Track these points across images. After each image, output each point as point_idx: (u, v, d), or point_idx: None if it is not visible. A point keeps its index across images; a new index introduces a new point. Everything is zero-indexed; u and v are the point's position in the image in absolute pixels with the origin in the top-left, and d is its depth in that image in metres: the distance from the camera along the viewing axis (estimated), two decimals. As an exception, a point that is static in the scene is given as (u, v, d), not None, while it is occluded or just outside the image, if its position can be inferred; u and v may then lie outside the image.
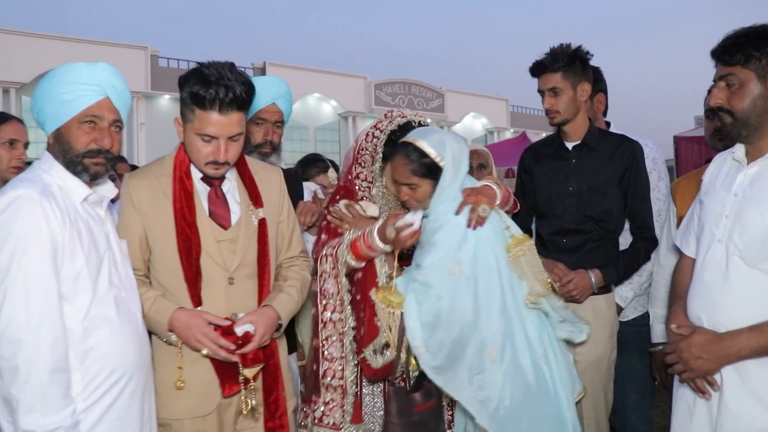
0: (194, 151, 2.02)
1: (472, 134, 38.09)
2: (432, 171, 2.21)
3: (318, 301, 2.24)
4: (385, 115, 2.44)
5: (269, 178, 2.26)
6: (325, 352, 2.21)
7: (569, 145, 2.80)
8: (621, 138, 2.80)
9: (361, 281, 2.24)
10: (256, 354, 2.01)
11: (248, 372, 2.01)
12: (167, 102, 27.76)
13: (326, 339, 2.22)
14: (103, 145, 1.89)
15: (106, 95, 1.90)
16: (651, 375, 2.94)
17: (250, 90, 2.01)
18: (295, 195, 2.65)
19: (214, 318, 1.98)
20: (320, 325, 2.23)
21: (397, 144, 2.28)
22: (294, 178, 2.82)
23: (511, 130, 38.65)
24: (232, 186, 2.16)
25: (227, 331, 1.96)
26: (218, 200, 2.12)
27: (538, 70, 2.71)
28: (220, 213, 2.11)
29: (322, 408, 2.22)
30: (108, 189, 2.01)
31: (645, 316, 2.96)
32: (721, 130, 2.04)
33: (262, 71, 30.70)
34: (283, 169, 2.66)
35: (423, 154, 2.19)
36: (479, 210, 2.19)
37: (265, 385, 2.10)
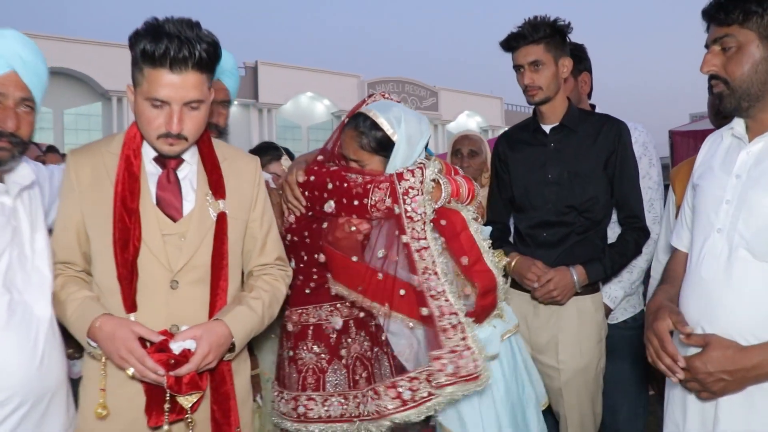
0: (144, 122, 1.69)
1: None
2: (383, 146, 2.01)
3: (404, 225, 1.93)
4: (369, 96, 2.25)
5: (241, 167, 1.92)
6: (430, 288, 1.91)
7: (546, 128, 2.51)
8: (604, 118, 2.51)
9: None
10: (193, 378, 1.65)
11: (184, 400, 1.65)
12: None
13: (423, 272, 1.93)
14: (5, 127, 1.63)
15: (11, 68, 1.65)
16: (644, 383, 2.66)
17: (213, 50, 1.69)
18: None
19: (145, 331, 1.63)
20: (415, 257, 1.93)
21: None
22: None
23: (506, 129, 38.45)
24: (191, 171, 1.83)
25: (162, 347, 1.62)
26: (169, 186, 1.79)
27: (515, 41, 2.40)
28: (169, 201, 1.78)
29: (448, 359, 1.85)
30: (22, 176, 1.72)
31: (637, 318, 2.68)
32: (717, 104, 1.73)
33: (254, 70, 30.55)
34: None
35: (375, 127, 2.00)
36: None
37: (213, 418, 1.75)
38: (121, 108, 26.57)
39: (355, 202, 1.98)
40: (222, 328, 1.70)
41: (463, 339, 1.86)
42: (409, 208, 1.93)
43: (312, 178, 2.09)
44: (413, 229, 1.94)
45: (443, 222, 2.01)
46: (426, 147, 2.16)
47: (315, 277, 2.11)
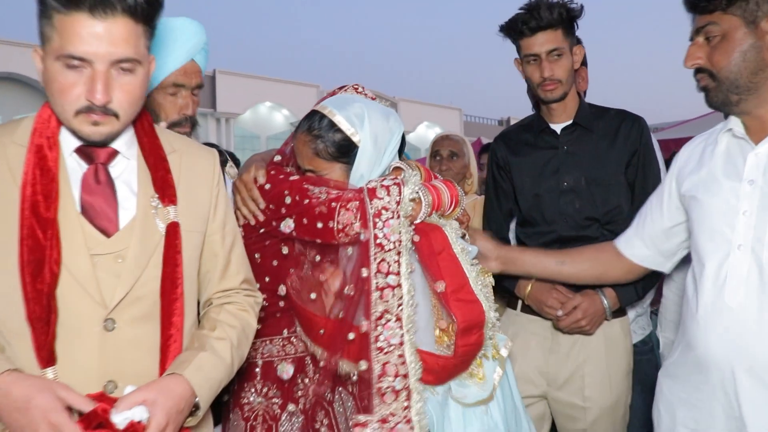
0: (57, 93, 1.26)
1: (426, 143, 38.00)
2: (343, 151, 1.69)
3: (370, 255, 1.58)
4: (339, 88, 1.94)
5: (196, 163, 1.49)
6: (380, 338, 1.57)
7: (557, 128, 2.21)
8: (622, 114, 2.23)
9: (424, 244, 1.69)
10: None
11: None
12: None
13: (380, 318, 1.56)
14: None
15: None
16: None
17: None
18: None
19: (73, 397, 1.19)
20: (373, 297, 1.57)
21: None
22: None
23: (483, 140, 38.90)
24: (128, 167, 1.40)
25: (98, 421, 1.19)
26: (99, 187, 1.34)
27: (528, 26, 2.07)
28: (100, 208, 1.33)
29: (373, 429, 1.54)
30: None
31: (646, 341, 2.44)
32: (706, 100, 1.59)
33: (212, 79, 29.93)
34: None
35: (332, 128, 1.68)
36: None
37: None
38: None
39: (319, 225, 1.63)
40: (181, 387, 1.29)
41: (405, 409, 1.53)
42: (380, 234, 1.58)
43: (267, 186, 1.74)
44: (382, 260, 1.58)
45: (416, 238, 1.66)
46: (402, 148, 1.85)
47: (265, 304, 1.75)
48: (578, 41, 2.62)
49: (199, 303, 1.55)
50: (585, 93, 2.76)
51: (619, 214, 2.13)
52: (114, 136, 1.35)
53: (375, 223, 1.58)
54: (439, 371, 1.64)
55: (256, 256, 1.77)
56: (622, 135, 2.17)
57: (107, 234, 1.33)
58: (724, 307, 1.47)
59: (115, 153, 1.38)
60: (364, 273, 1.58)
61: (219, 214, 1.52)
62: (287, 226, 1.69)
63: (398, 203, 1.60)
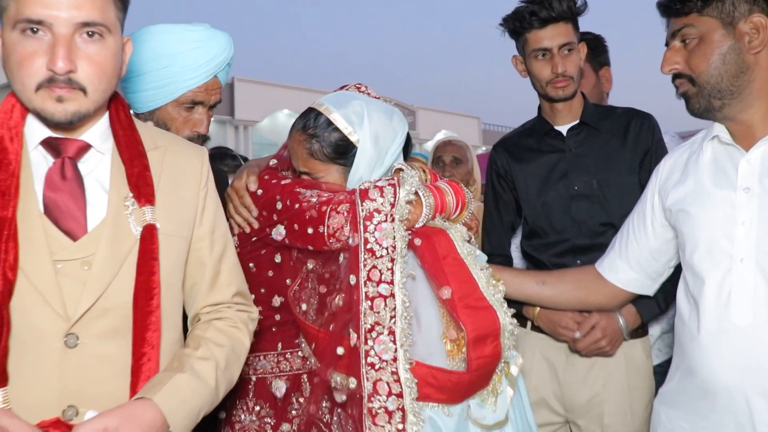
0: (15, 66, 1.14)
1: (445, 152, 38.25)
2: (341, 152, 1.57)
3: (359, 261, 1.45)
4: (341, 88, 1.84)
5: (181, 161, 1.37)
6: (370, 353, 1.43)
7: (562, 129, 2.06)
8: (630, 112, 2.09)
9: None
10: None
11: None
12: None
13: (371, 330, 1.43)
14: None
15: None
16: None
17: None
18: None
19: (16, 425, 1.04)
20: (363, 306, 1.44)
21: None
22: (217, 179, 1.93)
23: (483, 148, 38.81)
24: (102, 163, 1.26)
25: None
26: (66, 184, 1.21)
27: (539, 18, 1.92)
28: (66, 208, 1.21)
29: None
30: None
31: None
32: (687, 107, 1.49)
33: (231, 87, 30.13)
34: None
35: (329, 126, 1.56)
36: None
37: None
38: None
39: (309, 230, 1.50)
40: (151, 413, 1.13)
41: (400, 431, 1.39)
42: (370, 238, 1.45)
43: (260, 191, 1.62)
44: (373, 267, 1.44)
45: (418, 241, 1.52)
46: (408, 148, 1.71)
47: (260, 318, 1.61)
48: (595, 48, 2.49)
49: (187, 318, 1.42)
50: (608, 95, 2.63)
51: None
52: (83, 118, 1.19)
53: (365, 227, 1.45)
54: (453, 388, 1.48)
55: (251, 265, 1.66)
56: (632, 133, 2.03)
57: (73, 237, 1.19)
58: (731, 328, 1.35)
59: (86, 147, 1.24)
60: (353, 280, 1.45)
61: (207, 218, 1.38)
62: (279, 233, 1.57)
63: (393, 205, 1.46)
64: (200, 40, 1.70)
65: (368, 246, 1.45)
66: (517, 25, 1.98)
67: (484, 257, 1.65)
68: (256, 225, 1.63)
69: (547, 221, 2.05)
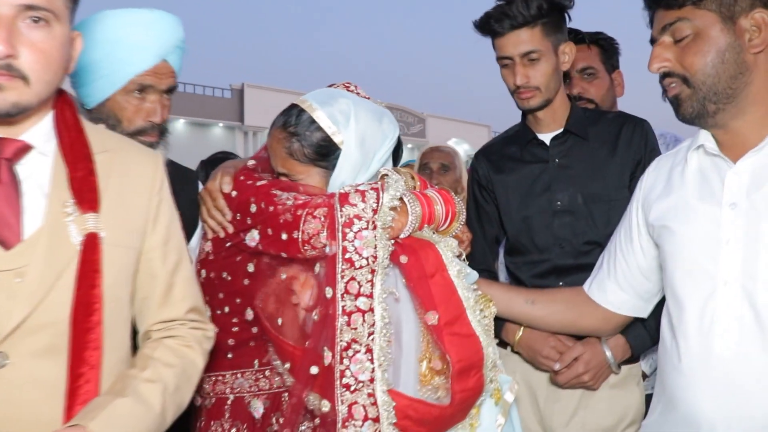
0: None
1: (454, 160, 38.23)
2: (322, 153, 1.45)
3: (336, 272, 1.34)
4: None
5: (132, 165, 1.26)
6: (346, 374, 1.32)
7: (545, 138, 1.89)
8: (621, 117, 1.92)
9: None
10: None
11: None
12: (182, 126, 27.92)
13: (347, 348, 1.32)
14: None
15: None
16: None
17: None
18: (186, 203, 1.78)
19: None
20: (339, 322, 1.32)
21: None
22: (186, 180, 1.85)
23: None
24: (43, 166, 1.16)
25: None
26: (1, 188, 1.11)
27: (499, 23, 1.76)
28: None
29: None
30: None
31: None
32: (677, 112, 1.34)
33: (240, 93, 30.22)
34: (170, 163, 1.82)
35: (311, 125, 1.43)
36: None
37: None
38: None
39: (283, 235, 1.37)
40: None
41: None
42: (349, 247, 1.32)
43: (234, 193, 1.50)
44: (352, 279, 1.32)
45: (404, 259, 1.37)
46: (398, 153, 1.60)
47: (235, 330, 1.50)
48: (608, 50, 2.33)
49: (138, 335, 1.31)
50: (615, 102, 2.49)
51: None
52: (23, 111, 1.08)
53: (344, 234, 1.33)
54: (432, 422, 1.36)
55: (224, 275, 1.54)
56: (623, 142, 1.84)
57: (6, 246, 1.08)
58: (713, 357, 1.23)
59: (27, 148, 1.13)
60: (329, 293, 1.33)
61: (160, 227, 1.27)
62: (252, 238, 1.45)
63: (375, 211, 1.34)
64: (144, 22, 1.61)
65: (347, 255, 1.33)
66: (484, 31, 1.83)
67: (475, 275, 1.52)
68: (230, 229, 1.51)
69: (528, 238, 1.88)
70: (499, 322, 1.81)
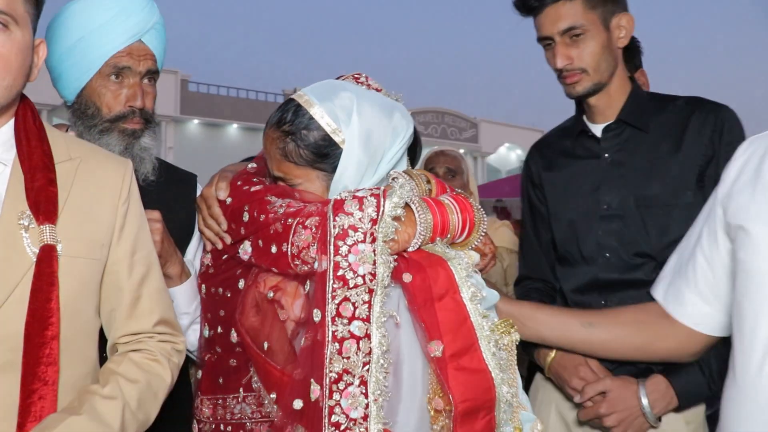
0: None
1: (507, 165, 37.76)
2: (321, 154, 1.27)
3: (326, 292, 1.17)
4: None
5: (98, 175, 1.24)
6: (335, 410, 1.15)
7: (596, 129, 1.65)
8: (693, 103, 1.61)
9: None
10: None
11: None
12: (196, 127, 28.02)
13: (337, 380, 1.15)
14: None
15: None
16: None
17: None
18: (183, 209, 1.64)
19: None
20: (328, 350, 1.15)
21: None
22: (184, 183, 1.73)
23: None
24: (2, 176, 1.16)
25: None
26: None
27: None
28: None
29: None
30: None
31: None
32: None
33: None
34: (167, 166, 1.68)
35: (309, 122, 1.27)
36: None
37: None
38: (159, 131, 26.94)
39: (273, 248, 1.22)
40: None
41: None
42: (342, 263, 1.14)
43: (229, 200, 1.35)
44: (345, 300, 1.14)
45: (407, 277, 1.18)
46: (415, 152, 1.42)
47: (238, 351, 1.36)
48: (628, 49, 2.10)
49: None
50: None
51: None
52: None
53: (336, 248, 1.15)
54: None
55: (221, 290, 1.40)
56: (691, 133, 1.56)
57: None
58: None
59: None
60: (317, 317, 1.15)
61: (126, 237, 1.25)
62: (245, 251, 1.31)
63: (374, 221, 1.15)
64: (113, 2, 1.53)
65: (339, 272, 1.15)
66: (521, 9, 1.62)
67: (495, 297, 1.31)
68: (228, 239, 1.37)
69: (572, 245, 1.65)
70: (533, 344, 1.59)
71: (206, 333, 1.44)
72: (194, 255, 1.64)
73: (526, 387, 1.86)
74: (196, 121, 27.88)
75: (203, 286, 1.47)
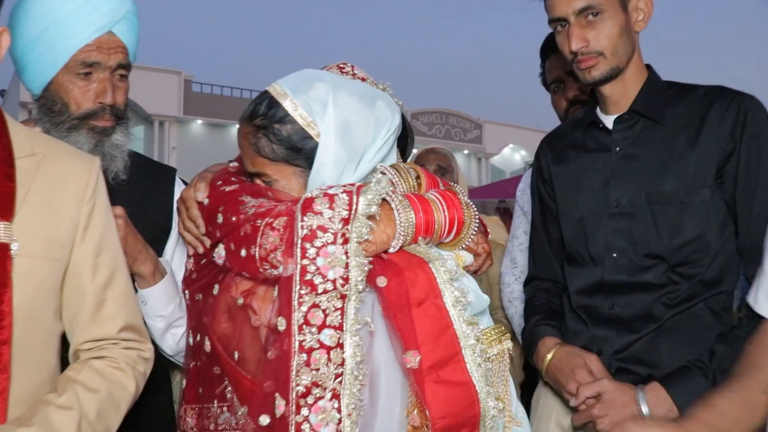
0: None
1: (511, 166, 37.70)
2: (296, 149, 1.21)
3: (292, 299, 1.08)
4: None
5: (62, 172, 1.17)
6: (303, 427, 1.05)
7: (608, 121, 1.53)
8: (714, 93, 1.48)
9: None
10: None
11: None
12: (199, 127, 28.04)
13: (305, 394, 1.05)
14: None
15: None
16: None
17: None
18: (159, 205, 1.57)
19: None
20: (295, 362, 1.06)
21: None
22: (161, 178, 1.66)
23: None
24: None
25: None
26: None
27: None
28: None
29: None
30: None
31: None
32: None
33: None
34: (143, 160, 1.59)
35: (284, 116, 1.17)
36: None
37: None
38: (162, 131, 26.86)
39: (242, 252, 1.12)
40: None
41: None
42: (310, 266, 1.05)
43: (206, 201, 1.26)
44: (314, 306, 1.04)
45: (382, 281, 1.08)
46: (406, 145, 1.35)
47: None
48: None
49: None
50: None
51: (701, 250, 1.41)
52: None
53: (304, 250, 1.05)
54: None
55: (200, 296, 1.30)
56: (710, 125, 1.42)
57: None
58: None
59: None
60: (281, 325, 1.05)
61: (91, 238, 1.17)
62: (219, 255, 1.21)
63: (346, 221, 1.06)
64: None
65: (306, 277, 1.05)
66: None
67: (486, 301, 1.21)
68: (207, 243, 1.28)
69: (580, 244, 1.53)
70: (532, 343, 1.49)
71: (190, 341, 1.36)
72: (172, 255, 1.55)
73: (529, 393, 1.76)
74: (199, 122, 27.91)
75: (186, 291, 1.37)
